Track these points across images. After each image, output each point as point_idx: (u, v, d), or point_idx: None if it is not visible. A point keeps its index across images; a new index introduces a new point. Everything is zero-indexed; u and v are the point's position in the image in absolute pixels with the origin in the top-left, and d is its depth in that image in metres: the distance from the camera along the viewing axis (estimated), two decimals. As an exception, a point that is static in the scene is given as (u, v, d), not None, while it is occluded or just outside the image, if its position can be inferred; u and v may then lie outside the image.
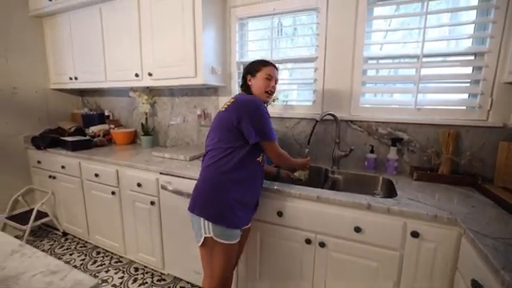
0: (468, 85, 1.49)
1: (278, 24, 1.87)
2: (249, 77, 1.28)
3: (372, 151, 1.60)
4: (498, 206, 1.12)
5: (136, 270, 1.90)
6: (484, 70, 1.37)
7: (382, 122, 1.59)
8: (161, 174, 1.62)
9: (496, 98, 1.36)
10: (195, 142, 2.22)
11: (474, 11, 1.40)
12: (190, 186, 1.46)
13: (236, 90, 2.00)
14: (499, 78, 1.34)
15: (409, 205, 1.10)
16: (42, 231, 2.43)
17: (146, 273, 1.87)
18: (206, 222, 1.10)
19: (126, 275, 1.85)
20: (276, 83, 1.31)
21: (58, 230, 2.35)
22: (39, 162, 2.28)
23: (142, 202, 1.73)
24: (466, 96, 1.50)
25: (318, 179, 1.66)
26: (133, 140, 2.48)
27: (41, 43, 2.46)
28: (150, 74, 1.91)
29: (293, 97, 1.97)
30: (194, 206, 1.16)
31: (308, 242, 1.26)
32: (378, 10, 1.58)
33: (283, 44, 1.92)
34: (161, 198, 1.65)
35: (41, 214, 2.23)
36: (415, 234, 1.06)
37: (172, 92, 2.26)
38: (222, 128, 1.17)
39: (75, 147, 2.06)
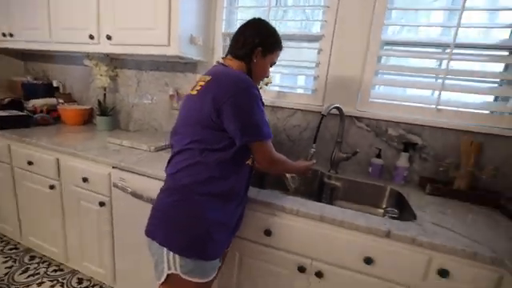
0: (495, 85, 1.27)
1: (277, -10, 1.52)
2: (259, 50, 0.89)
3: (379, 155, 1.34)
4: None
5: (80, 282, 1.53)
6: (523, 69, 1.14)
7: (394, 122, 1.33)
8: (114, 168, 1.24)
9: (531, 105, 1.15)
10: (164, 127, 1.84)
11: (519, -4, 1.15)
12: (152, 187, 1.11)
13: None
14: (539, 81, 1.12)
15: (437, 234, 0.85)
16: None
17: (92, 286, 1.51)
18: (171, 253, 0.76)
19: (66, 289, 1.47)
20: None
21: (-18, 225, 1.87)
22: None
23: (89, 201, 1.34)
24: (491, 98, 1.28)
25: (313, 185, 1.39)
26: (88, 120, 2.02)
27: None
28: (108, 37, 1.48)
29: (286, 82, 1.64)
30: (155, 230, 0.81)
31: (301, 269, 0.98)
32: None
33: (280, 16, 1.57)
34: (113, 199, 1.28)
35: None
36: (443, 273, 0.82)
37: (138, 64, 1.83)
38: (194, 124, 0.80)
39: (4, 124, 1.59)
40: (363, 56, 1.32)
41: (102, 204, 1.30)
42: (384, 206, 1.26)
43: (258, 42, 0.87)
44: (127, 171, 1.21)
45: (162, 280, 0.78)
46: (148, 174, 1.15)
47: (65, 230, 1.49)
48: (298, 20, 1.55)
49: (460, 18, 1.14)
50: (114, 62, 1.87)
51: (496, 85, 1.26)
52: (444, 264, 0.82)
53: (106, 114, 1.84)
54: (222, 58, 0.93)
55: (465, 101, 1.27)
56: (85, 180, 1.31)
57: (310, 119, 1.48)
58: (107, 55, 1.81)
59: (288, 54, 1.61)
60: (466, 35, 1.19)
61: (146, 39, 1.40)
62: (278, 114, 1.54)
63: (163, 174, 1.07)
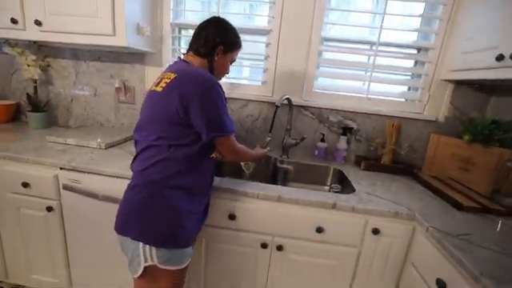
0: (408, 78, 1.55)
1: (226, -18, 1.54)
2: (220, 48, 0.93)
3: (323, 140, 1.53)
4: (435, 195, 1.19)
5: (27, 295, 1.40)
6: (427, 65, 1.43)
7: (334, 110, 1.53)
8: (61, 169, 1.16)
9: (432, 93, 1.45)
10: (112, 122, 1.73)
11: (423, 4, 1.41)
12: (109, 186, 1.09)
13: (169, 59, 1.60)
14: (437, 75, 1.42)
15: (370, 201, 1.06)
16: None
17: (44, 298, 1.40)
18: (148, 246, 0.79)
19: (11, 306, 1.34)
20: None
21: None
22: None
23: (33, 207, 1.22)
24: (405, 88, 1.56)
25: (267, 169, 1.51)
26: (14, 117, 1.77)
27: None
28: (38, 23, 1.31)
29: (233, 74, 1.69)
30: (127, 227, 0.82)
31: (264, 246, 1.10)
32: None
33: (230, 8, 1.60)
34: (63, 202, 1.20)
35: None
36: (376, 231, 1.03)
37: (75, 54, 1.66)
38: (160, 121, 0.81)
39: None
40: (306, 50, 1.47)
41: (49, 209, 1.20)
42: (329, 183, 1.46)
43: (219, 40, 0.92)
44: (79, 171, 1.14)
45: (140, 273, 0.80)
46: (105, 172, 1.11)
47: (1, 243, 1.33)
48: (247, 14, 1.60)
49: (382, 21, 1.36)
50: (44, 50, 1.65)
51: (409, 77, 1.55)
52: (376, 224, 1.03)
53: (39, 110, 1.64)
54: (184, 54, 0.95)
55: (387, 90, 1.53)
56: (25, 185, 1.19)
57: (261, 109, 1.59)
58: (34, 42, 1.59)
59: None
60: (387, 35, 1.42)
61: (86, 27, 1.29)
62: (231, 105, 1.60)
63: (124, 172, 1.07)
